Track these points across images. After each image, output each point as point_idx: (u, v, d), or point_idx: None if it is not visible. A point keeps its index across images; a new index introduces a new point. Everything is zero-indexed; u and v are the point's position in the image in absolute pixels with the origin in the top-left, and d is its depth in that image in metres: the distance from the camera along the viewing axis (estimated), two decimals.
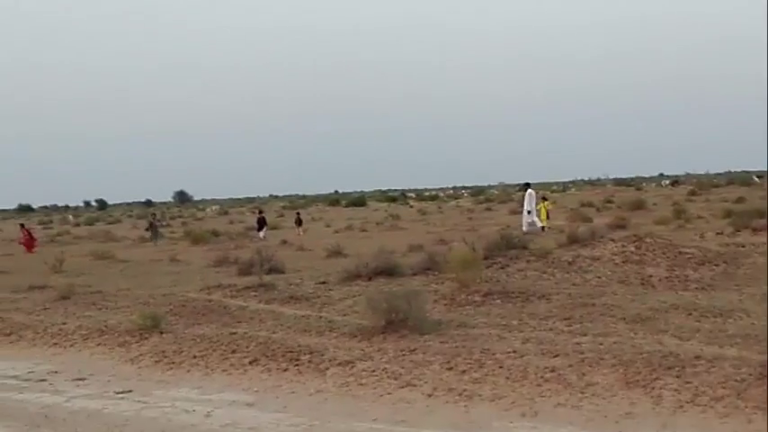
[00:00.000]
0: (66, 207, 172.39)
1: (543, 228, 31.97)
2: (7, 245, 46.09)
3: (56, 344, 13.66)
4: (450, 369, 9.81)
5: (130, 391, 10.66)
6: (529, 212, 33.15)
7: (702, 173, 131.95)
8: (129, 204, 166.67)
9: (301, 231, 43.51)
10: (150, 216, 47.93)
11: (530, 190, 33.96)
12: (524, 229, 31.63)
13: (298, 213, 50.37)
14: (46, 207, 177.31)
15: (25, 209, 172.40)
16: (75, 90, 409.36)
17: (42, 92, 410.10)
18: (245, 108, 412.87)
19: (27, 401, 10.47)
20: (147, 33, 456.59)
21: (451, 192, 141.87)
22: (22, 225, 45.48)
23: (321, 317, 13.56)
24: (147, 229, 44.75)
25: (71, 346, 13.45)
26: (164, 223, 43.87)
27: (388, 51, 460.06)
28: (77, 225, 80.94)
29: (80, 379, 11.56)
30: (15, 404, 10.35)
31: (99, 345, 13.21)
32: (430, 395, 9.28)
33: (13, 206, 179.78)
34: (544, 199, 37.47)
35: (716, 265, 15.61)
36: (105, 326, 13.98)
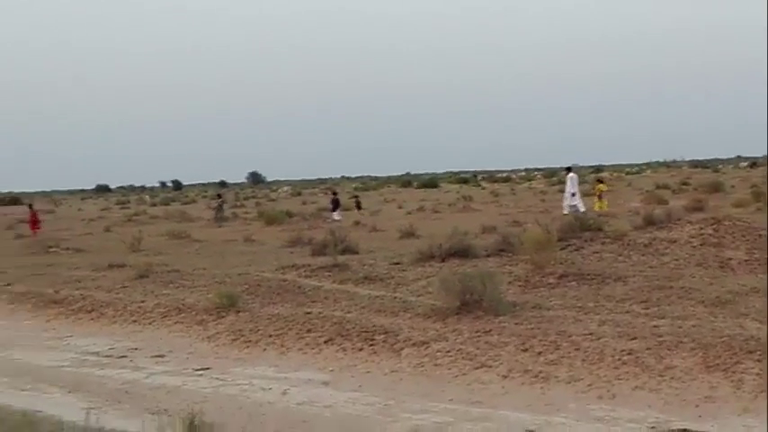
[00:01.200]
0: (143, 187, 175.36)
1: (584, 211, 31.69)
2: (87, 224, 47.06)
3: (135, 321, 13.92)
4: (526, 351, 9.75)
5: (209, 368, 10.83)
6: (573, 195, 33.57)
7: None
8: (203, 185, 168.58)
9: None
10: (216, 197, 48.43)
11: (571, 173, 35.24)
12: (564, 211, 31.87)
13: (356, 197, 50.23)
14: (123, 187, 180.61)
15: (103, 189, 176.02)
16: (151, 73, 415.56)
17: (121, 76, 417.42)
18: (318, 89, 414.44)
19: (108, 377, 10.70)
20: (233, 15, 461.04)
21: (524, 173, 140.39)
22: (30, 206, 45.84)
23: (395, 297, 13.56)
24: (214, 210, 44.97)
25: (150, 323, 13.69)
26: (224, 206, 43.95)
27: (460, 36, 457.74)
28: (154, 205, 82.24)
29: (159, 356, 11.78)
30: (97, 380, 10.60)
31: (177, 323, 13.42)
32: (505, 376, 9.25)
33: (92, 186, 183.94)
34: (600, 181, 37.93)
35: None
36: (183, 304, 14.17)
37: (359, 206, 45.86)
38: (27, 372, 11.14)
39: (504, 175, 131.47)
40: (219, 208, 44.43)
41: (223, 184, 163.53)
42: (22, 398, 9.38)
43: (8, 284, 17.55)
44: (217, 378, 10.30)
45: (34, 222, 40.32)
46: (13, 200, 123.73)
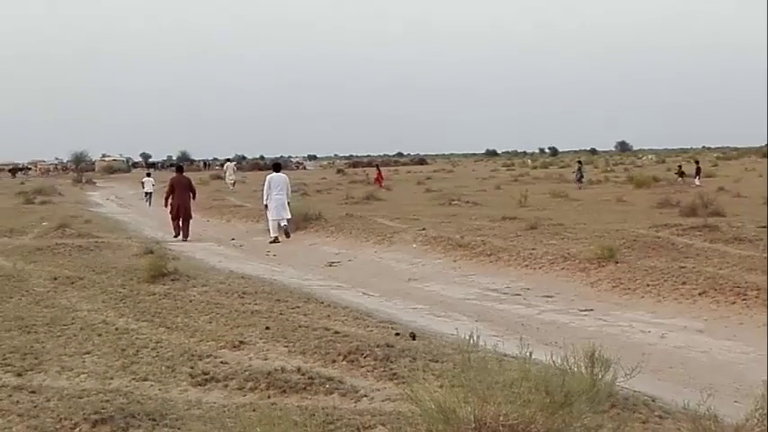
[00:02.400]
0: (524, 152, 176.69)
1: None
2: (480, 182, 48.55)
3: (527, 265, 14.07)
4: None
5: (592, 309, 10.75)
6: None
7: None
8: (576, 152, 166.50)
9: (697, 181, 39.83)
10: (577, 163, 50.25)
11: None
12: None
13: (697, 162, 46.16)
14: (508, 152, 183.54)
15: (491, 153, 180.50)
16: (549, 48, 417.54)
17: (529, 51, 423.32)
18: (679, 58, 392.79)
19: (506, 311, 10.93)
20: None
21: None
22: (377, 166, 55.93)
23: (766, 258, 12.55)
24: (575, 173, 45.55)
25: (539, 268, 13.79)
26: (582, 174, 44.19)
27: None
28: (534, 168, 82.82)
29: (548, 296, 11.88)
30: (497, 312, 10.85)
31: (563, 269, 13.40)
32: None
33: (482, 150, 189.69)
34: None
35: None
36: (567, 253, 14.10)
37: (697, 173, 41.86)
38: (440, 301, 11.67)
39: None
40: (579, 172, 44.77)
41: (593, 151, 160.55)
42: (438, 323, 9.80)
43: (423, 229, 18.48)
44: (600, 319, 10.19)
45: (379, 178, 46.71)
46: (420, 161, 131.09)
